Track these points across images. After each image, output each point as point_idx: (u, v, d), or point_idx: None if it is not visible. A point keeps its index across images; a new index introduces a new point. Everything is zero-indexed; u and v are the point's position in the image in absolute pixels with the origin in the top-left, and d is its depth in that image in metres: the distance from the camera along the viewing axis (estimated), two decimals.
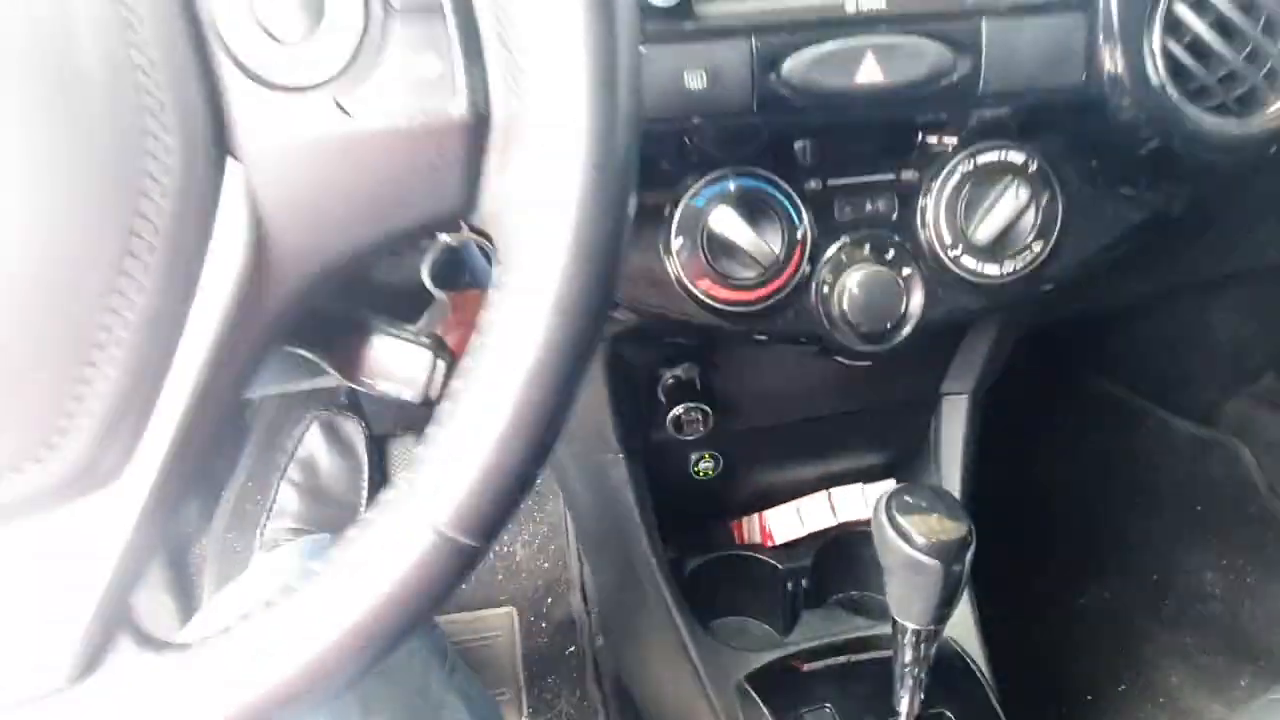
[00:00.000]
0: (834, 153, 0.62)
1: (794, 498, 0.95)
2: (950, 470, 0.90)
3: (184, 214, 0.31)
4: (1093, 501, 1.24)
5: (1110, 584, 1.24)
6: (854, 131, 0.62)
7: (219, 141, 0.31)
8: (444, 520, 0.33)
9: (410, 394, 0.41)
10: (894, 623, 0.67)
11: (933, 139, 0.63)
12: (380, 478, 1.32)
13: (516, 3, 0.31)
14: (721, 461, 0.89)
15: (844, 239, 0.63)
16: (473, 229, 0.36)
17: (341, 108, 0.31)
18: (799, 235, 0.62)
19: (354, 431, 1.32)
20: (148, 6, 0.30)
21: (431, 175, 0.33)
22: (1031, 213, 0.63)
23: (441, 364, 0.41)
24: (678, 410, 0.78)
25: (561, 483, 1.03)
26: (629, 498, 0.85)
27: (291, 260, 0.33)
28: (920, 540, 0.60)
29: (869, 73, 0.56)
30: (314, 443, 1.30)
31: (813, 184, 0.63)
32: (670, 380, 0.80)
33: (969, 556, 0.61)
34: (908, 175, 0.64)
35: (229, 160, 0.31)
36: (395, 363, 0.40)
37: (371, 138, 0.32)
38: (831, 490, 0.94)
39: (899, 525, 0.61)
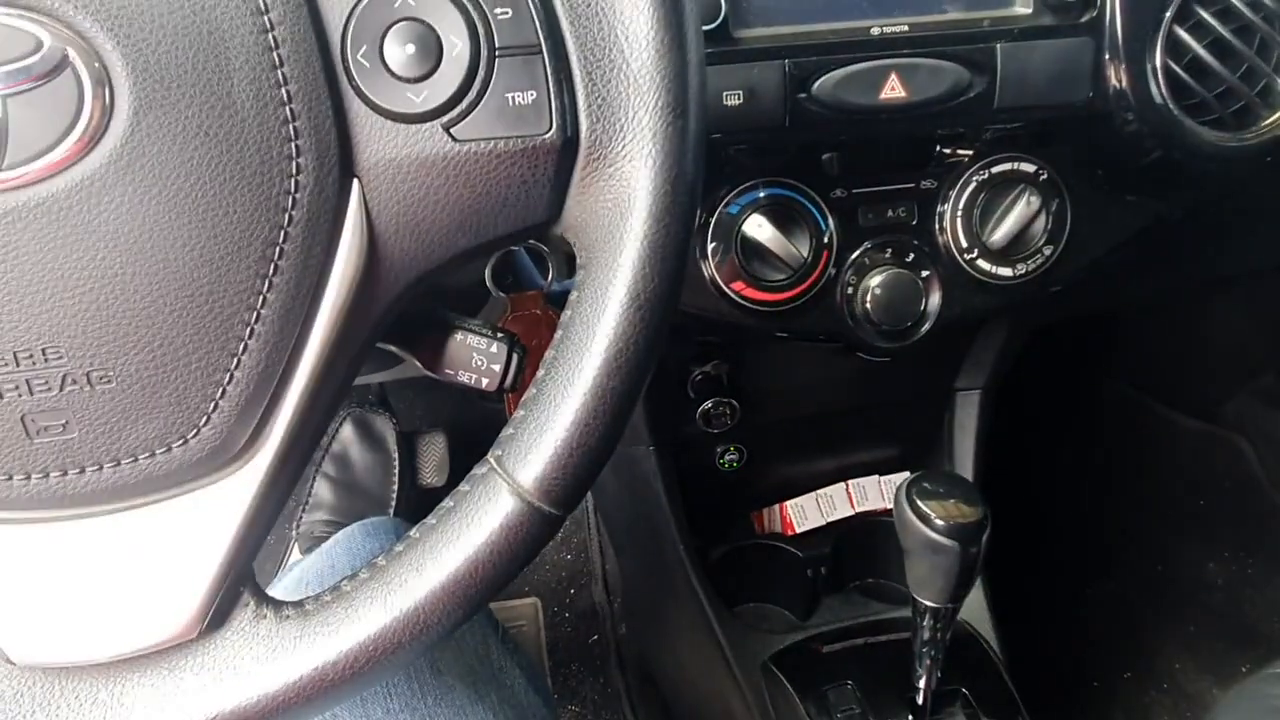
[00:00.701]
0: (858, 163, 0.67)
1: (813, 489, 1.00)
2: (963, 463, 0.94)
3: (314, 225, 0.36)
4: (1099, 494, 1.28)
5: (1116, 573, 1.29)
6: (876, 143, 0.66)
7: (344, 163, 0.36)
8: (531, 491, 0.38)
9: (488, 383, 0.46)
10: (913, 603, 0.72)
11: (949, 150, 0.68)
12: (410, 472, 1.37)
13: (602, 41, 0.36)
14: (745, 454, 0.94)
15: (867, 243, 0.68)
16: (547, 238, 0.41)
17: (450, 134, 0.36)
18: (825, 240, 0.67)
19: (385, 427, 1.36)
20: (292, 49, 0.34)
21: (524, 191, 0.38)
22: (1042, 219, 0.67)
23: (516, 356, 0.45)
24: (706, 404, 0.83)
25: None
26: (658, 488, 0.89)
27: (399, 266, 0.38)
28: (939, 523, 0.64)
29: (892, 90, 0.61)
30: (347, 438, 1.35)
31: (838, 192, 0.67)
32: (699, 376, 0.85)
33: (985, 538, 0.65)
34: (926, 184, 0.68)
35: (352, 179, 0.36)
36: (475, 356, 0.45)
37: (474, 159, 0.37)
38: (849, 481, 0.99)
39: (919, 509, 0.66)
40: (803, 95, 0.61)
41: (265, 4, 0.34)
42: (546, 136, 0.36)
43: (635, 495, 0.93)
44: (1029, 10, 0.62)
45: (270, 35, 0.34)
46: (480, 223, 0.38)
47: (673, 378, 0.85)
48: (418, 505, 1.33)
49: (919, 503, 0.66)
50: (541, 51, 0.36)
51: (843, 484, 0.99)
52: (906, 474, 1.00)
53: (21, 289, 0.33)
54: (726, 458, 0.93)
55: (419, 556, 0.39)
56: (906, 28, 0.61)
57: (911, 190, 0.68)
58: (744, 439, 0.92)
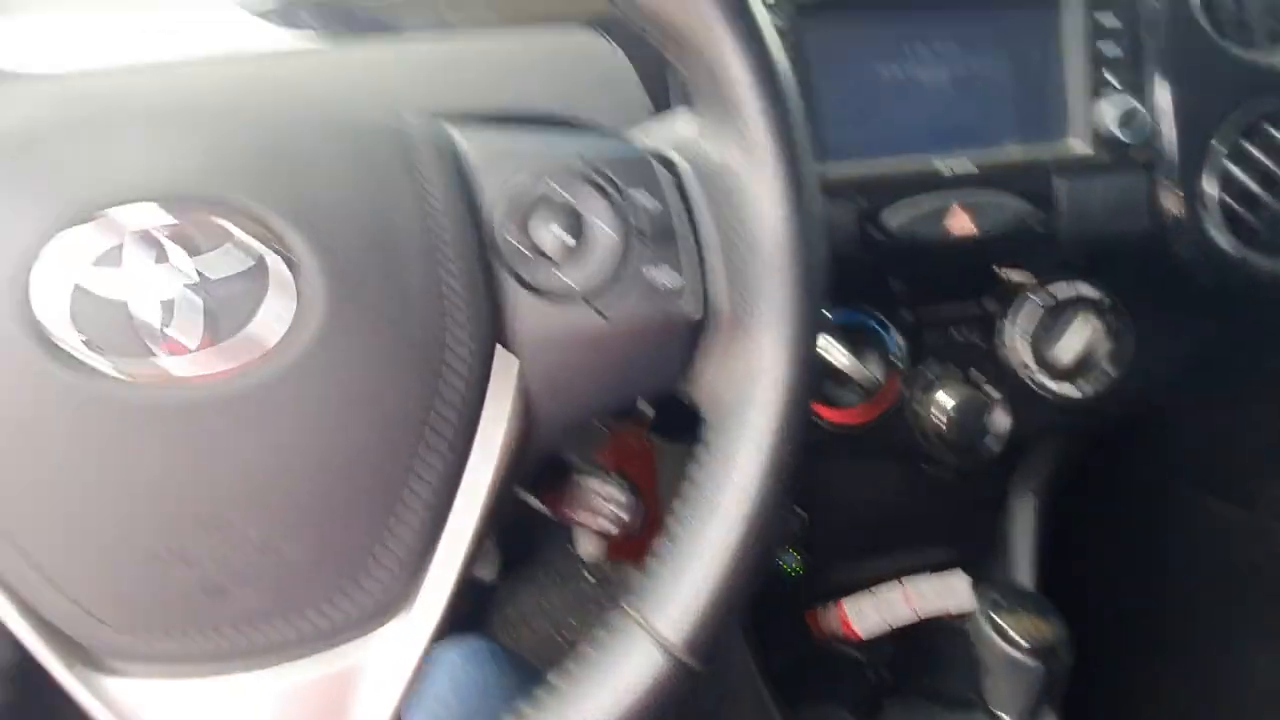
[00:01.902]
0: (924, 287, 0.70)
1: (870, 590, 1.00)
2: (1021, 567, 0.95)
3: (471, 395, 0.39)
4: (1149, 586, 1.28)
5: (1169, 665, 1.28)
6: (942, 268, 0.69)
7: (499, 337, 0.39)
8: (676, 644, 0.40)
9: (612, 528, 0.48)
10: (991, 715, 0.72)
11: (1011, 274, 0.71)
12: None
13: (736, 225, 0.39)
14: (805, 557, 0.95)
15: (935, 363, 0.71)
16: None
17: (598, 311, 0.39)
18: (895, 361, 0.70)
19: None
20: (454, 235, 0.38)
21: (663, 359, 0.40)
22: (1105, 340, 0.70)
23: (641, 504, 0.48)
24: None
25: None
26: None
27: (544, 427, 0.41)
28: (1023, 642, 0.66)
29: (960, 224, 0.64)
30: None
31: (906, 315, 0.70)
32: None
33: (1067, 656, 0.66)
34: (991, 306, 0.71)
35: (505, 351, 0.39)
36: (600, 502, 0.48)
37: (619, 333, 0.40)
38: (905, 580, 1.00)
39: (998, 625, 0.67)
40: (874, 228, 0.64)
41: (432, 197, 0.38)
42: (686, 313, 0.39)
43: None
44: (1087, 147, 0.66)
45: (436, 225, 0.38)
46: (621, 387, 0.41)
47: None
48: (474, 603, 1.33)
49: (996, 618, 0.68)
50: (684, 236, 0.39)
51: (900, 585, 1.00)
52: (963, 575, 1.01)
53: (215, 471, 0.36)
54: (788, 561, 0.94)
55: (563, 707, 0.40)
56: (972, 165, 0.65)
57: (976, 312, 0.72)
58: (804, 543, 0.94)
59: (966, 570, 1.01)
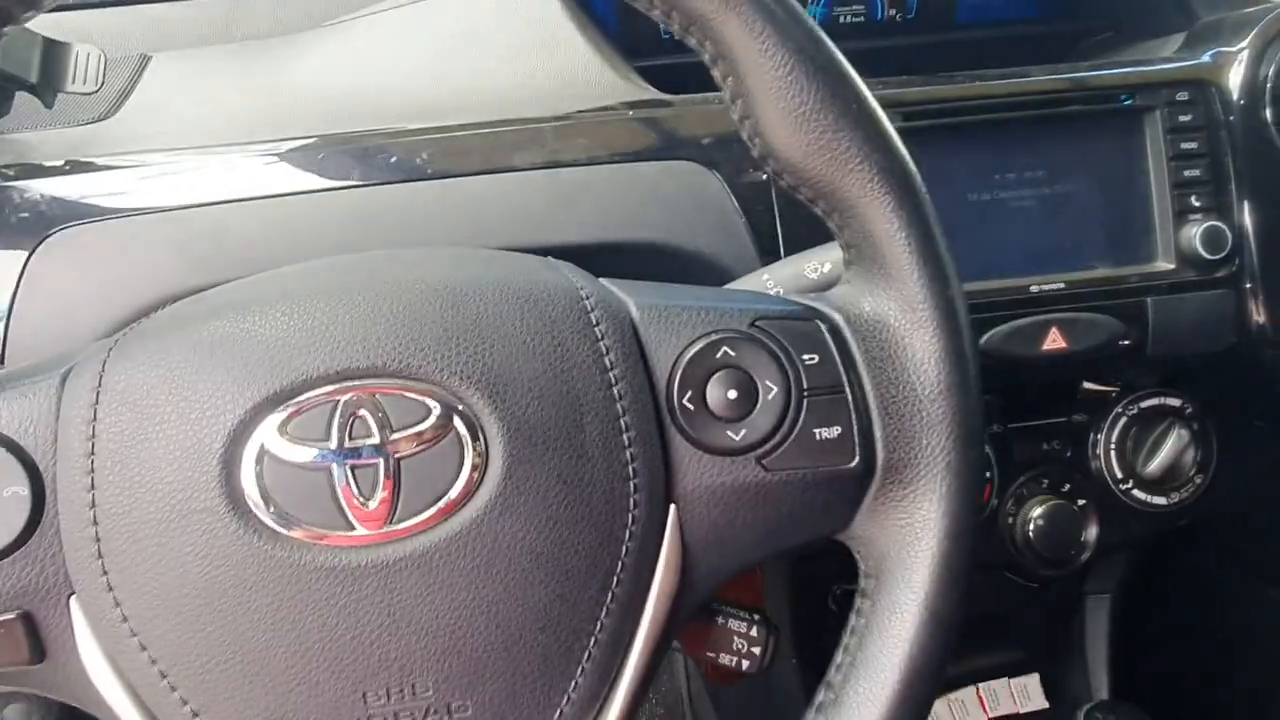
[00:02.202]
0: (1015, 401, 0.71)
1: (943, 692, 0.99)
2: (1096, 667, 0.94)
3: (643, 552, 0.39)
4: (1215, 680, 1.26)
5: None
6: (1032, 383, 0.71)
7: (666, 493, 0.40)
8: None
9: (749, 666, 0.48)
10: None
11: (1097, 386, 0.72)
12: None
13: (896, 381, 0.40)
14: None
15: (1024, 475, 0.72)
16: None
17: (762, 465, 0.40)
18: (986, 473, 0.70)
19: None
20: (631, 400, 0.39)
21: (823, 510, 0.41)
22: (1191, 448, 0.71)
23: (774, 640, 0.48)
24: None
25: (710, 692, 1.07)
26: (801, 703, 0.89)
27: (703, 578, 0.41)
28: None
29: (1054, 342, 0.66)
30: None
31: (995, 428, 0.71)
32: (840, 592, 0.87)
33: None
34: (1078, 418, 0.72)
35: (669, 505, 0.40)
36: (736, 639, 0.48)
37: (782, 486, 0.40)
38: (980, 685, 0.99)
39: None
40: None
41: (611, 362, 0.39)
42: (849, 465, 0.40)
43: (773, 709, 0.93)
44: (1172, 265, 0.67)
45: (615, 389, 0.39)
46: (778, 537, 0.42)
47: (814, 593, 0.87)
48: None
49: None
50: (845, 391, 0.40)
51: (973, 687, 0.99)
52: (1036, 677, 1.00)
53: (400, 630, 0.37)
54: None
55: None
56: (1062, 285, 0.66)
57: (1064, 425, 0.73)
58: None
59: (1038, 668, 1.00)
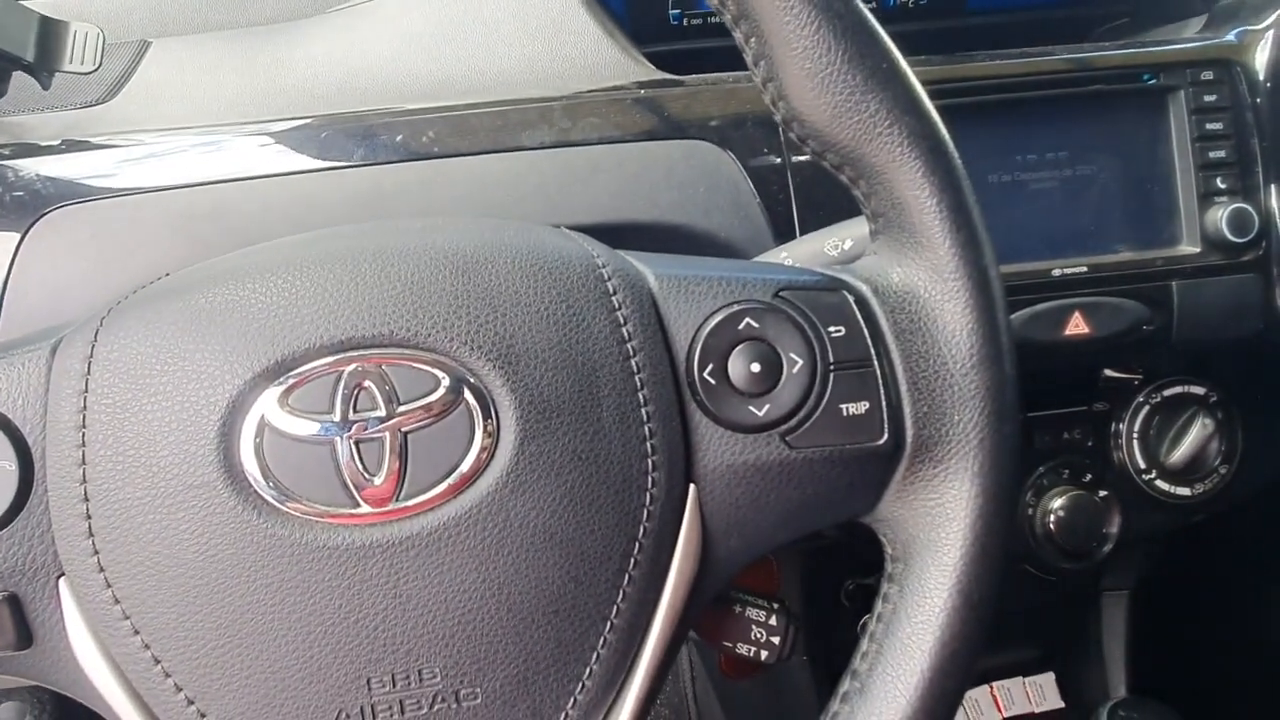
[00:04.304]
0: (1035, 389, 0.69)
1: None
2: (1113, 666, 0.92)
3: (662, 532, 0.37)
4: (1243, 680, 1.24)
5: None
6: (1053, 370, 0.69)
7: (686, 471, 0.38)
8: None
9: (768, 656, 0.46)
10: None
11: (1118, 374, 0.70)
12: None
13: (926, 355, 0.39)
14: None
15: (1044, 465, 0.70)
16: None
17: (786, 442, 0.38)
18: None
19: None
20: (650, 373, 0.37)
21: (849, 490, 0.39)
22: (1216, 440, 0.69)
23: (794, 629, 0.46)
24: (868, 616, 0.83)
25: (717, 690, 1.05)
26: (812, 701, 0.88)
27: (724, 562, 0.39)
28: None
29: (1076, 327, 0.64)
30: None
31: None
32: (852, 586, 0.85)
33: None
34: (1099, 406, 0.71)
35: (689, 485, 0.38)
36: (754, 629, 0.46)
37: (807, 464, 0.38)
38: (994, 684, 0.97)
39: None
40: None
41: (629, 333, 0.37)
42: (877, 443, 0.38)
43: (784, 707, 0.91)
44: (1197, 249, 0.65)
45: (633, 361, 0.37)
46: (802, 519, 0.40)
47: (826, 588, 0.85)
48: None
49: None
50: (873, 365, 0.38)
51: (987, 686, 0.97)
52: (1052, 674, 0.98)
53: (406, 613, 0.35)
54: None
55: None
56: (1085, 268, 0.65)
57: (1085, 413, 0.71)
58: None
59: (1054, 666, 0.98)
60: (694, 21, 0.85)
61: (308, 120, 0.61)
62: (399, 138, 0.60)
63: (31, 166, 0.60)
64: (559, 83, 0.65)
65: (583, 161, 0.60)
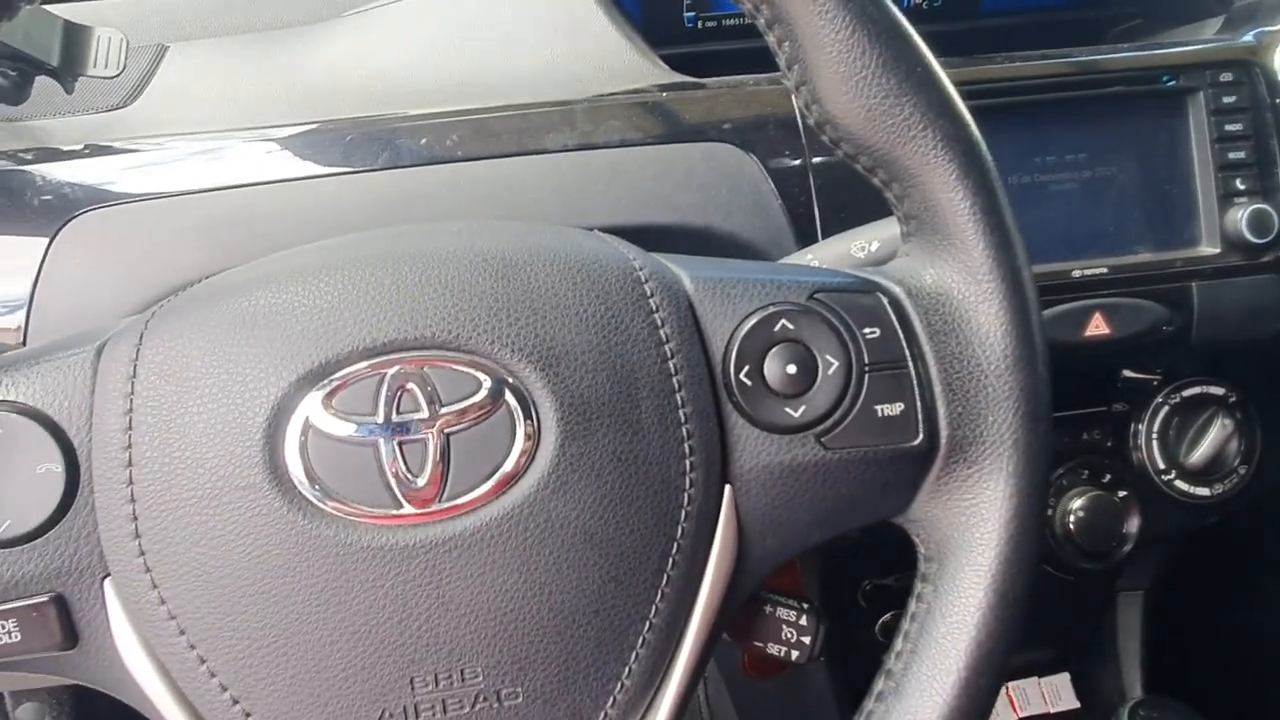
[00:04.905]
0: (1055, 389, 0.70)
1: None
2: (1129, 666, 0.93)
3: (699, 533, 0.38)
4: (1260, 682, 1.24)
5: None
6: (1073, 371, 0.69)
7: (723, 472, 0.38)
8: None
9: (798, 655, 0.46)
10: None
11: (1138, 375, 0.70)
12: None
13: (960, 355, 0.39)
14: None
15: (1064, 466, 0.70)
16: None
17: (821, 443, 0.39)
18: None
19: None
20: (688, 374, 0.37)
21: (883, 491, 0.40)
22: (1236, 440, 0.69)
23: (824, 628, 0.46)
24: (886, 616, 0.83)
25: (731, 692, 1.05)
26: (830, 702, 0.88)
27: (759, 562, 0.40)
28: None
29: (1097, 328, 0.64)
30: None
31: None
32: (869, 586, 0.85)
33: None
34: (1118, 407, 0.71)
35: (725, 486, 0.38)
36: (785, 629, 0.46)
37: (842, 465, 0.39)
38: (1010, 683, 0.97)
39: None
40: None
41: (666, 335, 0.37)
42: (912, 444, 0.39)
43: (801, 708, 0.91)
44: (1217, 249, 0.66)
45: (670, 363, 0.37)
46: (836, 519, 0.40)
47: (843, 588, 0.85)
48: None
49: None
50: (907, 366, 0.39)
51: (1003, 686, 0.97)
52: (1066, 676, 0.99)
53: (449, 613, 0.35)
54: None
55: None
56: (1105, 269, 0.65)
57: (1104, 414, 0.71)
58: None
59: (1069, 667, 0.98)
60: (709, 24, 0.85)
61: (331, 124, 0.62)
62: (423, 141, 0.60)
63: (58, 171, 0.60)
64: (579, 85, 0.65)
65: (605, 164, 0.61)
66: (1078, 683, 0.97)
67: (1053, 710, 0.97)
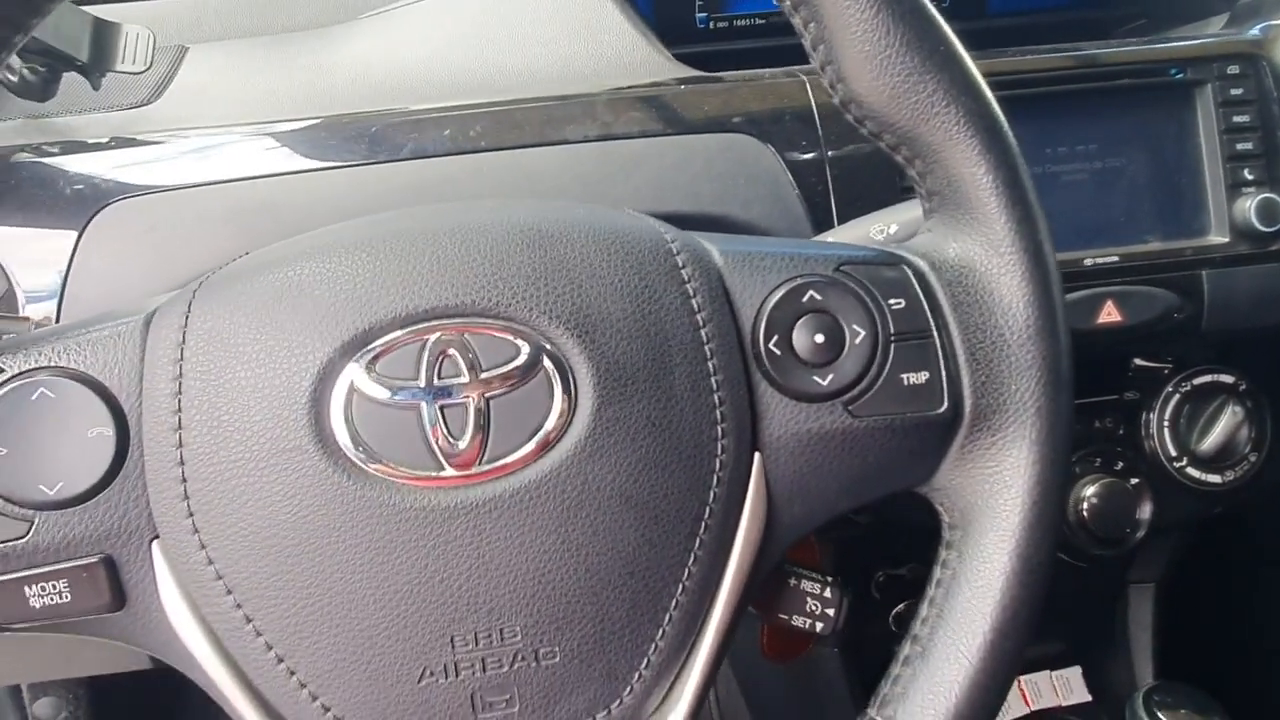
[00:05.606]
0: None
1: None
2: (1140, 659, 0.93)
3: (730, 499, 0.39)
4: (1272, 676, 1.25)
5: None
6: (1085, 358, 0.70)
7: (753, 439, 0.39)
8: None
9: (823, 628, 0.47)
10: None
11: (1149, 363, 0.71)
12: None
13: (983, 325, 0.40)
14: None
15: (1077, 454, 0.71)
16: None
17: (849, 411, 0.39)
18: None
19: None
20: (719, 343, 0.38)
21: (909, 459, 0.40)
22: (1246, 427, 0.70)
23: (847, 601, 0.47)
24: (900, 607, 0.84)
25: (742, 682, 1.06)
26: (843, 692, 0.88)
27: (787, 528, 0.40)
28: None
29: (1109, 315, 0.65)
30: None
31: None
32: (882, 578, 0.86)
33: None
34: (1130, 395, 0.72)
35: (754, 453, 0.39)
36: (809, 601, 0.47)
37: (869, 434, 0.40)
38: (1022, 677, 0.97)
39: None
40: None
41: (698, 305, 0.38)
42: (937, 411, 0.40)
43: (809, 698, 0.92)
44: (1226, 238, 0.67)
45: (703, 331, 0.38)
46: (863, 488, 0.41)
47: (856, 579, 0.86)
48: None
49: (1161, 716, 0.66)
50: (932, 336, 0.40)
51: (1015, 680, 0.97)
52: (1078, 670, 0.99)
53: (489, 574, 0.36)
54: None
55: None
56: (1116, 258, 0.66)
57: (1116, 402, 0.72)
58: None
59: (1080, 660, 0.99)
60: (720, 24, 0.86)
61: (355, 117, 0.63)
62: (446, 132, 0.61)
63: (86, 163, 0.61)
64: (596, 81, 0.66)
65: (625, 154, 0.62)
66: (1089, 676, 0.97)
67: (1065, 703, 0.97)
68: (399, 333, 0.36)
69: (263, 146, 0.62)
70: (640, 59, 0.68)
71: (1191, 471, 0.70)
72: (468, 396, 0.36)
